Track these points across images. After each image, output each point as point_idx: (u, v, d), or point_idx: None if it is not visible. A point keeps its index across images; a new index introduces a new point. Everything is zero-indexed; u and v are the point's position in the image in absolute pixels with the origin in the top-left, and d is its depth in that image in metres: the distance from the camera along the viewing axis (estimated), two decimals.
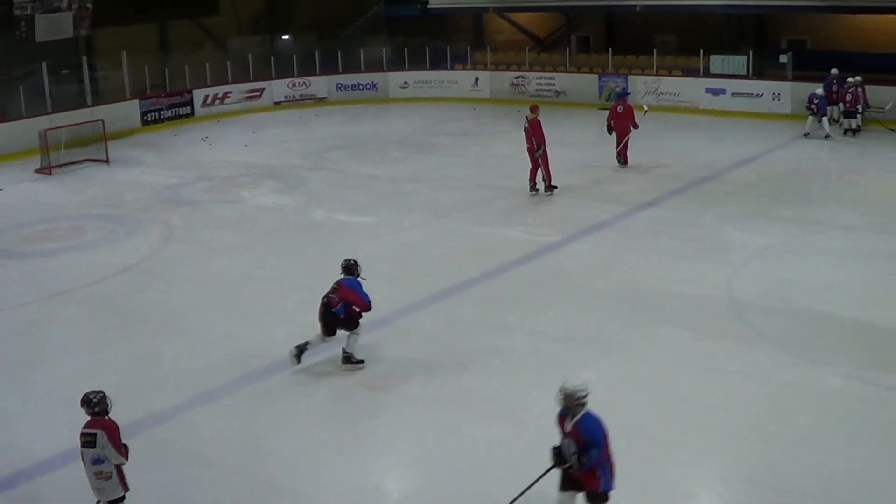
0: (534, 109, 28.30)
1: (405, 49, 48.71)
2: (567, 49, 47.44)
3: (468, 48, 49.66)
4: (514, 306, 19.17)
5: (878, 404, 14.60)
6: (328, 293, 16.51)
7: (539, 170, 27.94)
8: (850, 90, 34.76)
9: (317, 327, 16.49)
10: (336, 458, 13.64)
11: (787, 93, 39.31)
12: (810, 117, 34.61)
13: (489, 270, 21.21)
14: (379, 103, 47.27)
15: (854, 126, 34.95)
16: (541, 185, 28.06)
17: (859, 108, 34.86)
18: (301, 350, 16.61)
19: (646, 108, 32.00)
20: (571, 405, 10.95)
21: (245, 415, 15.12)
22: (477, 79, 48.12)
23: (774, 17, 46.09)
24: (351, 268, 16.79)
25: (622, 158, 31.58)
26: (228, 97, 45.23)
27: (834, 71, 36.14)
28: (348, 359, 16.61)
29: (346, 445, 13.94)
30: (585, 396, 10.94)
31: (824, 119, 34.34)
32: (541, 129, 27.72)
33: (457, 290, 20.03)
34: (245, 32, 52.13)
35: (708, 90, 41.53)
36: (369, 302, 16.41)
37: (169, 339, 18.25)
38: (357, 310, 16.45)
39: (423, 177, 30.79)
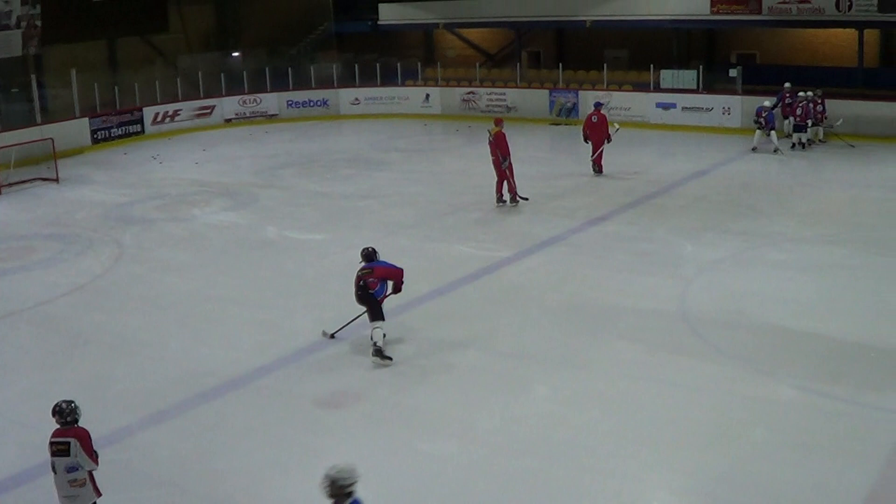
0: (498, 122, 28.82)
1: (356, 65, 48.70)
2: (518, 64, 47.61)
3: (419, 64, 49.78)
4: (467, 322, 19.13)
5: (831, 415, 14.64)
6: (363, 277, 17.40)
7: (505, 182, 28.20)
8: (800, 104, 35.01)
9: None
10: (288, 477, 13.56)
11: (737, 107, 39.50)
12: (758, 132, 34.82)
13: (441, 286, 21.20)
14: (330, 120, 47.22)
15: (804, 140, 35.20)
16: (507, 196, 28.35)
17: (809, 122, 35.13)
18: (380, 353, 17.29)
19: (617, 126, 32.09)
20: (336, 494, 9.55)
21: (198, 435, 15.02)
22: (428, 95, 48.15)
23: (724, 32, 46.51)
24: (371, 255, 17.85)
25: (597, 167, 32.17)
26: (178, 115, 45.03)
27: (787, 85, 36.42)
28: (379, 352, 17.21)
29: (298, 464, 13.84)
30: (352, 485, 9.56)
31: (773, 133, 34.56)
32: (505, 142, 28.10)
33: (409, 306, 19.86)
34: (195, 49, 52.01)
35: (658, 105, 41.71)
36: (402, 270, 17.70)
37: (121, 358, 18.09)
38: (394, 289, 17.63)
39: (374, 193, 30.72)
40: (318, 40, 53.80)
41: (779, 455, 13.50)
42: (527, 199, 28.39)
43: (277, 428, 15.06)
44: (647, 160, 34.30)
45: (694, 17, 42.70)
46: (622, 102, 42.36)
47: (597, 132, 32.10)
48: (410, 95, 48.42)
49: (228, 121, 46.24)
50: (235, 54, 51.58)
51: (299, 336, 18.22)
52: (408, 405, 15.55)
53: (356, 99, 48.39)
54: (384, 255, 17.78)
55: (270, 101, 47.35)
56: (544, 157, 37.51)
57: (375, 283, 17.31)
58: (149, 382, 16.90)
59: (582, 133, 32.71)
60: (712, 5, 41.78)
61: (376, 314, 17.32)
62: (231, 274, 23.03)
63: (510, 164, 28.13)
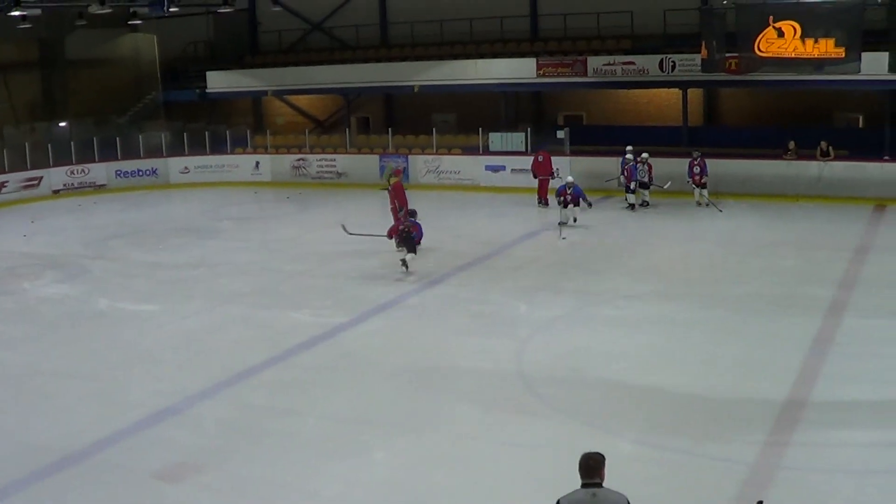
0: (397, 173, 31.84)
1: (184, 134, 48.40)
2: (347, 130, 47.78)
3: (248, 132, 49.67)
4: (305, 390, 18.98)
5: (671, 467, 14.81)
6: (405, 225, 27.63)
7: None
8: (626, 167, 35.81)
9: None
10: None
11: (565, 167, 39.98)
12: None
13: (278, 355, 20.95)
14: (160, 189, 46.76)
15: (633, 201, 35.85)
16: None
17: (633, 183, 35.85)
18: (405, 263, 27.22)
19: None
20: None
21: None
22: (258, 162, 48.06)
23: (550, 95, 47.25)
24: (414, 213, 28.20)
25: (543, 201, 36.15)
26: (5, 186, 43.96)
27: (629, 148, 37.03)
28: (406, 265, 27.08)
29: None
30: None
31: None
32: (402, 192, 30.58)
33: (246, 375, 19.70)
34: (21, 120, 50.97)
35: (488, 167, 42.21)
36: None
37: None
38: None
39: (206, 262, 30.42)
40: (146, 109, 53.21)
41: None
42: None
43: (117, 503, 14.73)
44: (478, 223, 34.57)
45: (521, 81, 43.39)
46: (452, 166, 42.80)
47: (541, 170, 37.43)
48: (240, 163, 48.30)
49: (57, 192, 45.29)
50: (62, 124, 50.58)
51: (137, 408, 17.86)
52: (249, 475, 15.30)
53: (185, 168, 48.00)
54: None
55: (99, 171, 46.58)
56: (376, 221, 37.51)
57: (412, 230, 27.29)
58: None
59: (531, 170, 38.21)
60: (538, 68, 42.52)
61: (412, 249, 27.29)
62: (64, 347, 22.48)
63: (406, 212, 29.14)
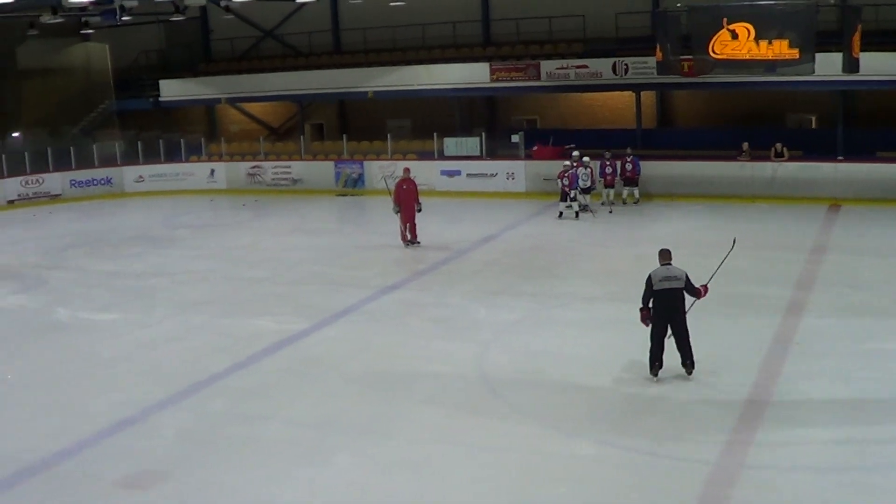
0: (404, 171, 32.48)
1: (139, 143, 48.30)
2: (301, 137, 47.81)
3: (202, 139, 49.62)
4: (268, 396, 18.99)
5: (634, 468, 14.89)
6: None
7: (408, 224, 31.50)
8: (567, 172, 35.59)
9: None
10: None
11: (520, 171, 40.36)
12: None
13: (239, 361, 20.94)
14: (115, 198, 46.69)
15: (577, 208, 35.65)
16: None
17: (572, 192, 35.63)
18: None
19: None
20: None
21: None
22: (213, 170, 48.04)
23: (505, 99, 47.43)
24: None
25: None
26: None
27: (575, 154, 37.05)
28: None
29: None
30: None
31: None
32: (400, 190, 31.52)
33: (208, 383, 19.69)
34: None
35: (443, 172, 42.31)
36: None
37: None
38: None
39: (165, 271, 30.32)
40: (99, 118, 53.17)
41: None
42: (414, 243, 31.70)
43: None
44: (435, 227, 34.46)
45: (474, 85, 43.59)
46: None
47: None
48: (195, 171, 48.27)
49: (11, 202, 45.11)
50: (16, 134, 50.50)
51: (98, 418, 17.83)
52: (213, 481, 15.30)
53: (140, 176, 47.95)
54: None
55: (53, 181, 46.48)
56: (333, 228, 37.71)
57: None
58: None
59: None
60: (492, 73, 42.71)
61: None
62: (23, 357, 22.34)
63: (400, 211, 31.61)
